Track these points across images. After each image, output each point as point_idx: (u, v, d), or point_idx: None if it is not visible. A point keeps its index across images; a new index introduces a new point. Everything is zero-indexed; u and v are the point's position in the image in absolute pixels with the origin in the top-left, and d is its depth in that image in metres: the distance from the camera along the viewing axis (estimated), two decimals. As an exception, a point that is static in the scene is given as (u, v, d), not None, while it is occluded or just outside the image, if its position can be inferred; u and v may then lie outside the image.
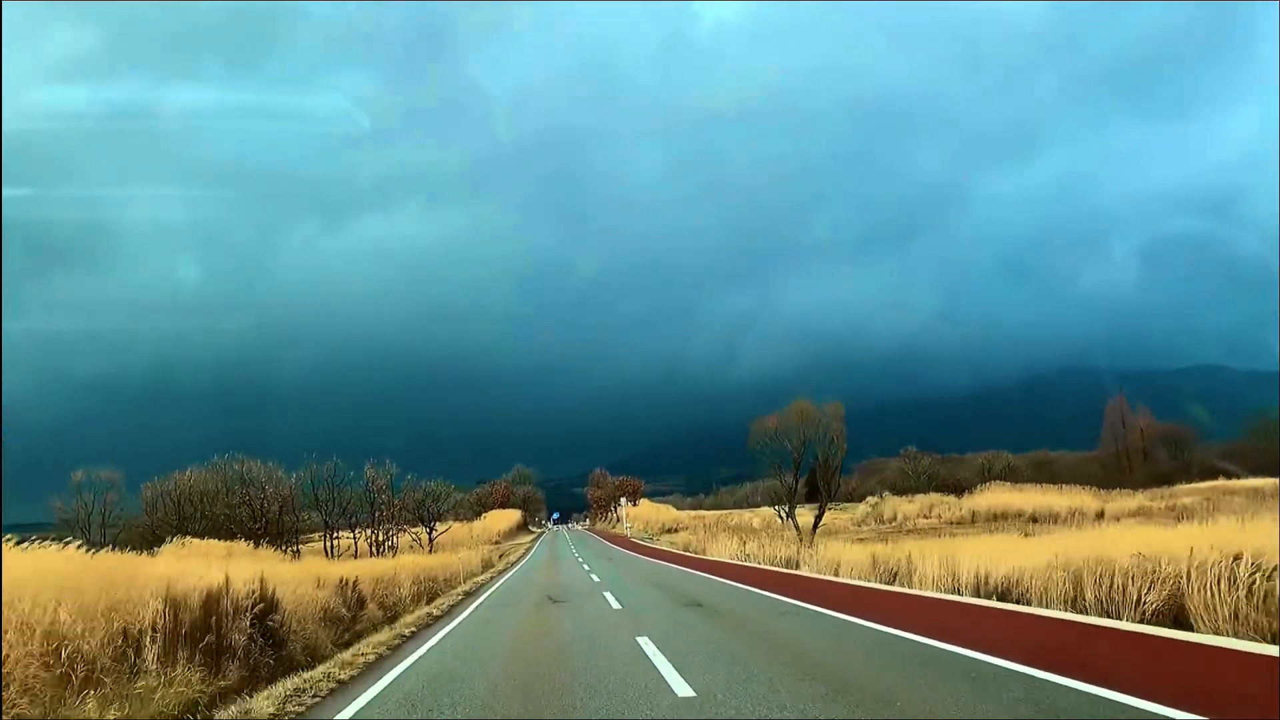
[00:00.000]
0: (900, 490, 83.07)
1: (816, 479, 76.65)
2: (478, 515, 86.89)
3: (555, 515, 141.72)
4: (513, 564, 37.40)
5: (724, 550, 35.43)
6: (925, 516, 55.60)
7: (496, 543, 64.83)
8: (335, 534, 48.85)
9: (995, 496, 58.02)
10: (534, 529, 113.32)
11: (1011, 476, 67.63)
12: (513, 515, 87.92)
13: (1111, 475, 70.94)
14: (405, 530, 52.84)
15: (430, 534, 52.98)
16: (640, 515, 71.01)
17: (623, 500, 70.37)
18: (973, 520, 52.74)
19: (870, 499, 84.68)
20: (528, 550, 53.45)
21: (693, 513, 69.71)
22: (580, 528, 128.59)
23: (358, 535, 49.23)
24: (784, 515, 62.76)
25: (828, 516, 61.81)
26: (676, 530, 62.26)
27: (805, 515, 59.68)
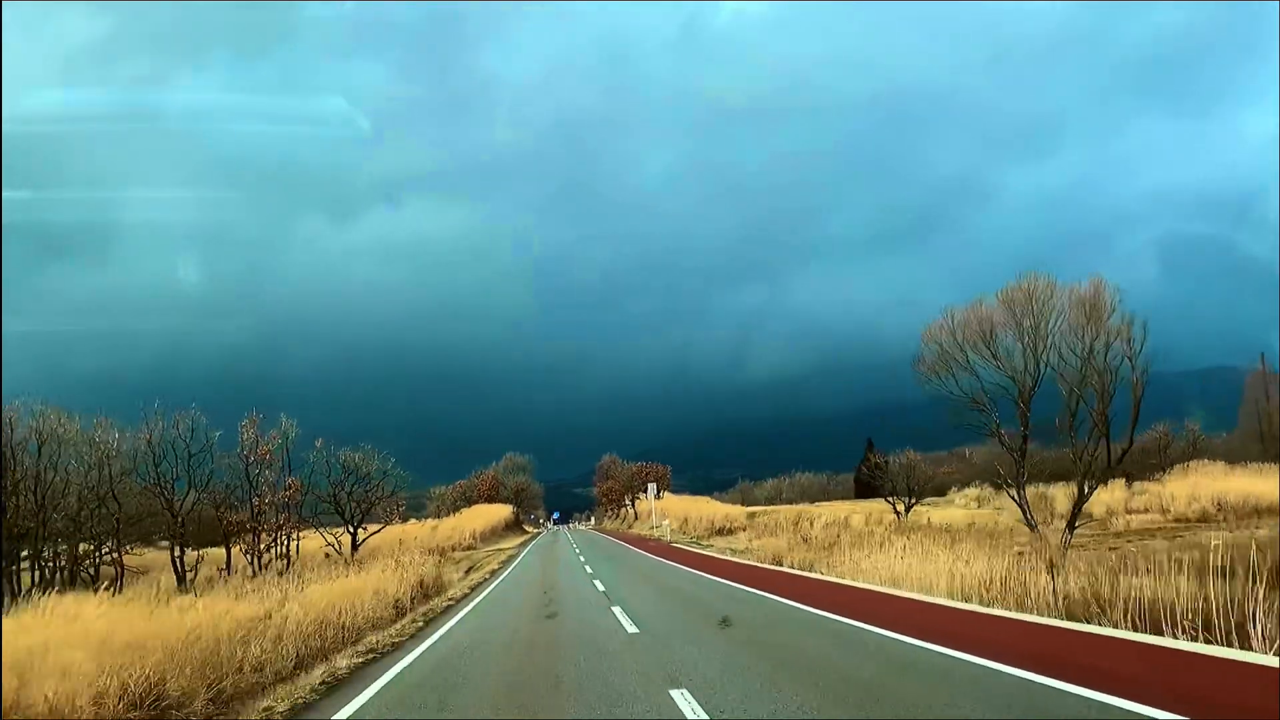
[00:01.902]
0: (999, 482, 63.81)
1: (870, 468, 56.81)
2: (455, 511, 67.42)
3: (556, 515, 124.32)
4: (451, 606, 17.13)
5: (905, 571, 16.15)
6: (1129, 510, 36.19)
7: (469, 547, 45.15)
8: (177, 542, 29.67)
9: (1212, 481, 38.75)
10: (529, 528, 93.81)
11: (1197, 455, 48.36)
12: (498, 511, 68.11)
13: (1256, 455, 52.51)
14: (312, 530, 33.12)
15: (354, 537, 33.24)
16: (673, 511, 51.39)
17: (650, 488, 50.64)
18: (1219, 514, 33.58)
19: (967, 490, 65.28)
20: (508, 564, 33.55)
21: (747, 509, 49.80)
22: (584, 528, 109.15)
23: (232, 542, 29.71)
24: (900, 509, 42.89)
25: (945, 514, 41.97)
26: (732, 531, 42.62)
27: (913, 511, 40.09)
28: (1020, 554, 15.95)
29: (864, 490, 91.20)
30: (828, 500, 74.31)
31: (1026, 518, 20.45)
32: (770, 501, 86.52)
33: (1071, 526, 19.72)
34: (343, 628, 13.78)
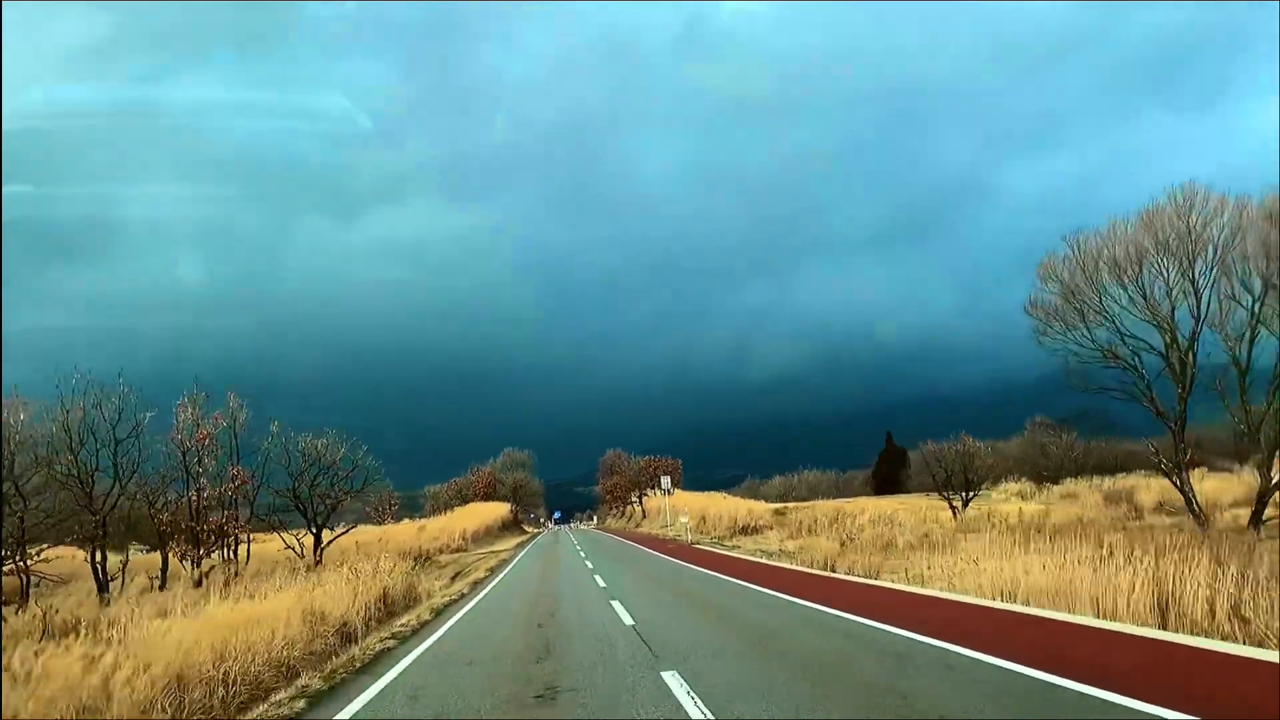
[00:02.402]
0: (1047, 476, 59.04)
1: (926, 456, 51.64)
2: (448, 509, 62.31)
3: (557, 514, 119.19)
4: (387, 651, 11.68)
5: (1022, 578, 10.89)
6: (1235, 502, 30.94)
7: (459, 550, 39.94)
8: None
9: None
10: (529, 528, 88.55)
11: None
12: (494, 510, 62.81)
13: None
14: (273, 532, 27.93)
15: (318, 539, 27.97)
16: (687, 507, 46.14)
17: (664, 480, 45.04)
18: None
19: (1006, 485, 60.04)
20: (499, 570, 28.40)
21: (769, 505, 44.33)
22: (587, 527, 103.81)
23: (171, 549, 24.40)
24: (956, 504, 37.46)
25: (1005, 508, 37.11)
26: (757, 530, 37.41)
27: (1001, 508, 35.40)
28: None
29: (884, 486, 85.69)
30: (841, 497, 69.02)
31: (1194, 510, 15.18)
32: (781, 499, 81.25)
33: (1257, 522, 14.46)
34: (224, 680, 8.64)
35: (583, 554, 31.18)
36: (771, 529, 38.40)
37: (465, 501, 75.66)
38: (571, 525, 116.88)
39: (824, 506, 35.34)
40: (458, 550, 39.37)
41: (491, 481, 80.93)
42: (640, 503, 64.74)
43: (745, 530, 37.01)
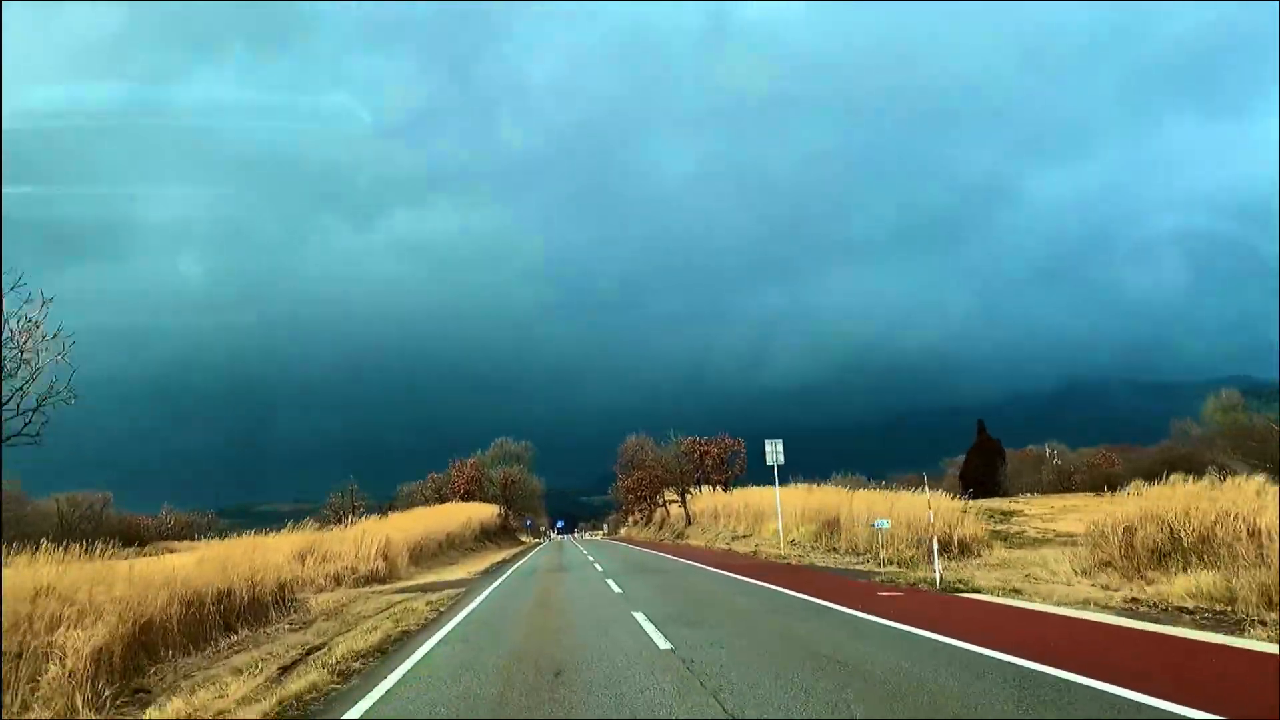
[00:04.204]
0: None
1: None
2: (386, 512, 43.82)
3: (560, 524, 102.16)
4: None
5: None
6: None
7: (372, 579, 21.04)
8: None
9: None
10: (526, 538, 69.98)
11: None
12: (466, 512, 43.84)
13: None
14: None
15: None
16: (789, 506, 27.39)
17: (773, 447, 25.48)
18: None
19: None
20: (372, 687, 9.15)
21: (958, 503, 24.69)
22: (597, 537, 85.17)
23: None
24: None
25: None
26: (966, 549, 18.60)
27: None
28: None
29: (975, 488, 67.10)
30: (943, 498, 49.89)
31: None
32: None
33: None
34: None
35: (652, 631, 11.85)
36: (988, 546, 19.60)
37: (443, 501, 57.30)
38: (575, 535, 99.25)
39: (1160, 499, 16.19)
40: (370, 581, 20.54)
41: (475, 477, 62.10)
42: (683, 503, 45.88)
43: (946, 548, 18.12)
